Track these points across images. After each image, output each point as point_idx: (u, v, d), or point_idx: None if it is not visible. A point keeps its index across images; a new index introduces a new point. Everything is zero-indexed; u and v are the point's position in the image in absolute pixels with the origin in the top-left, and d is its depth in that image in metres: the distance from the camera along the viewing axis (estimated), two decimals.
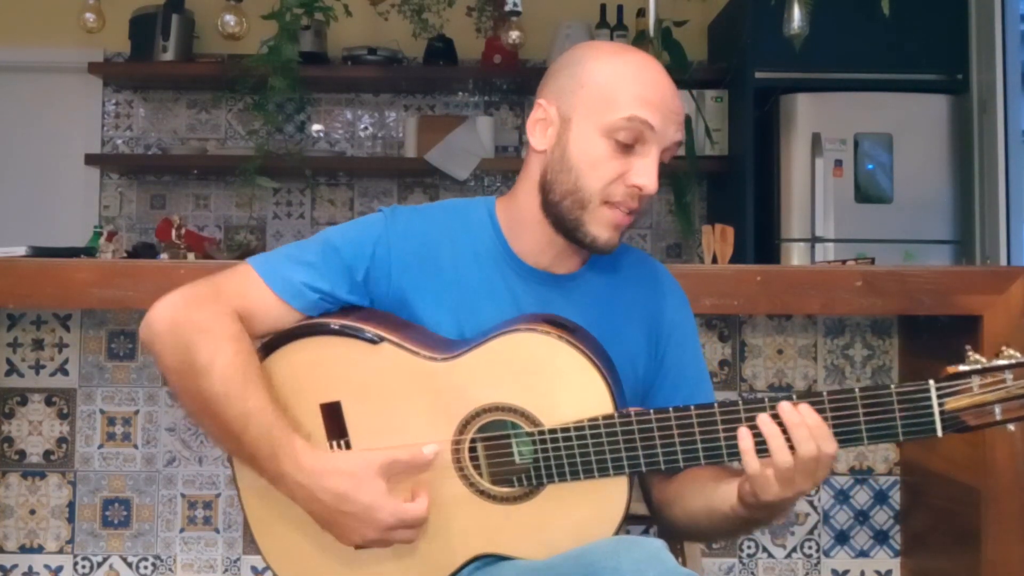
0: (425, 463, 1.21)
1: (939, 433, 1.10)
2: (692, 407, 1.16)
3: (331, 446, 1.25)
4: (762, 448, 1.13)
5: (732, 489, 1.20)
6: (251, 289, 1.27)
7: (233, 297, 1.26)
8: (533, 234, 1.31)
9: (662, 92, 1.24)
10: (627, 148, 1.23)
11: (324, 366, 1.26)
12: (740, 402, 1.15)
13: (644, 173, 1.23)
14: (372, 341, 1.24)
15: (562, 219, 1.26)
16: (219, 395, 1.20)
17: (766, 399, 1.14)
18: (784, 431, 1.12)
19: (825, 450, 1.11)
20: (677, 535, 1.43)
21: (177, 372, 1.23)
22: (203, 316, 1.23)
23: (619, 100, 1.23)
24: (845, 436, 1.13)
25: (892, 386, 1.11)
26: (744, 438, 1.13)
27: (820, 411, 1.12)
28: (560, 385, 1.19)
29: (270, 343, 1.28)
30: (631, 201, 1.25)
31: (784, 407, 1.12)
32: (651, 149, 1.23)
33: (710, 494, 1.25)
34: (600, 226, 1.25)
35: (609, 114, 1.23)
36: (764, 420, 1.13)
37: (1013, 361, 1.08)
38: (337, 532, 1.21)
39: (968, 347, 1.11)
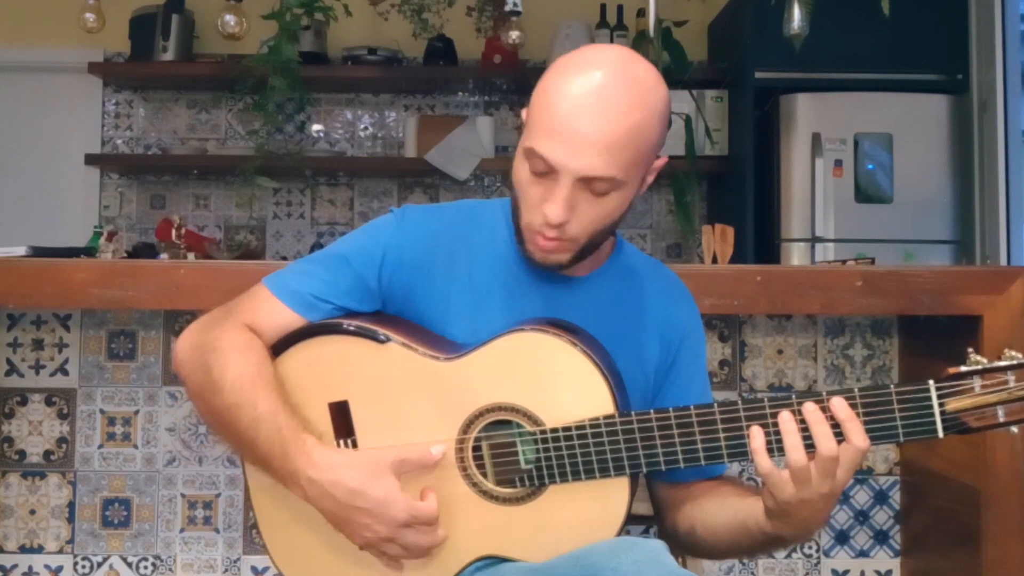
0: (433, 463, 1.21)
1: (940, 434, 1.09)
2: (692, 407, 1.16)
3: (338, 444, 1.26)
4: (773, 447, 1.12)
5: (757, 503, 1.19)
6: (262, 304, 1.30)
7: (243, 314, 1.29)
8: None
9: (574, 121, 1.16)
10: (543, 175, 1.20)
11: (332, 365, 1.27)
12: (740, 402, 1.15)
13: (550, 204, 1.19)
14: (379, 341, 1.25)
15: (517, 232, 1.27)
16: (231, 406, 1.22)
17: (765, 399, 1.14)
18: (803, 428, 1.10)
19: (858, 444, 1.09)
20: (696, 554, 1.42)
21: (199, 394, 1.28)
22: (213, 336, 1.26)
23: (534, 128, 1.20)
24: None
25: (892, 386, 1.10)
26: (756, 437, 1.12)
27: (823, 411, 1.11)
28: (562, 386, 1.20)
29: (279, 344, 1.29)
30: (546, 230, 1.21)
31: (808, 406, 1.11)
32: (560, 178, 1.18)
33: (733, 509, 1.23)
34: (533, 247, 1.25)
35: (526, 140, 1.21)
36: (785, 418, 1.11)
37: (1015, 362, 1.07)
38: (349, 530, 1.20)
39: (970, 349, 1.10)
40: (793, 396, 1.13)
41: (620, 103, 1.17)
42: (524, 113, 1.28)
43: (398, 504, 1.17)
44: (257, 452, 1.22)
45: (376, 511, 1.17)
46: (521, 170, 1.23)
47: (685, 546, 1.34)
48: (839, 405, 1.10)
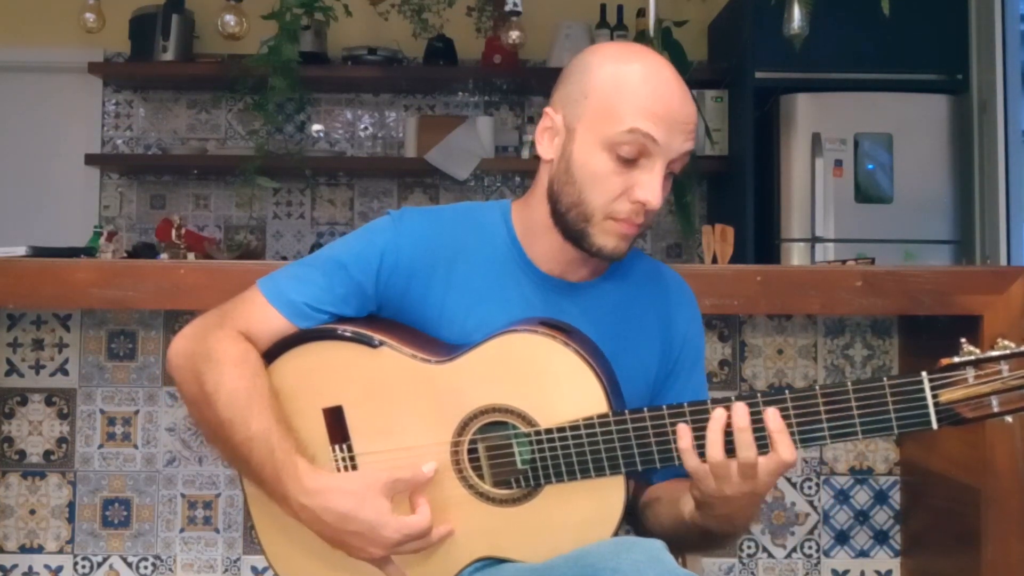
0: (425, 480, 1.22)
1: (934, 425, 1.10)
2: (686, 404, 1.16)
3: (333, 450, 1.26)
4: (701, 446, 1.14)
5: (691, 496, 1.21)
6: (257, 311, 1.29)
7: (238, 320, 1.28)
8: (545, 242, 1.30)
9: (668, 102, 1.20)
10: (630, 162, 1.20)
11: (326, 371, 1.27)
12: (732, 399, 1.15)
13: (648, 189, 1.20)
14: (373, 345, 1.24)
15: (568, 229, 1.26)
16: (225, 421, 1.22)
17: (759, 395, 1.14)
18: (728, 432, 1.12)
19: (783, 457, 1.11)
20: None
21: (193, 402, 1.27)
22: (208, 344, 1.26)
23: (621, 112, 1.19)
24: (839, 430, 1.12)
25: (885, 379, 1.11)
26: (683, 437, 1.14)
27: (784, 414, 1.12)
28: (555, 386, 1.20)
29: (273, 349, 1.29)
30: (635, 216, 1.23)
31: (737, 408, 1.12)
32: (655, 163, 1.21)
33: (675, 499, 1.25)
34: (605, 236, 1.24)
35: (611, 127, 1.20)
36: (715, 415, 1.13)
37: (1008, 352, 1.07)
38: (345, 551, 1.21)
39: (963, 339, 1.10)
40: (759, 396, 1.13)
41: (684, 84, 1.24)
42: (552, 111, 1.27)
43: (390, 526, 1.18)
44: (250, 470, 1.23)
45: (368, 534, 1.18)
46: (598, 162, 1.21)
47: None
48: (771, 416, 1.11)
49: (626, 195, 1.22)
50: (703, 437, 1.15)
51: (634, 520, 1.38)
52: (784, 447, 1.11)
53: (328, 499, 1.18)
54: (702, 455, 1.14)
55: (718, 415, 1.13)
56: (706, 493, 1.15)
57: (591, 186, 1.22)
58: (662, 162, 1.21)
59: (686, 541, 1.27)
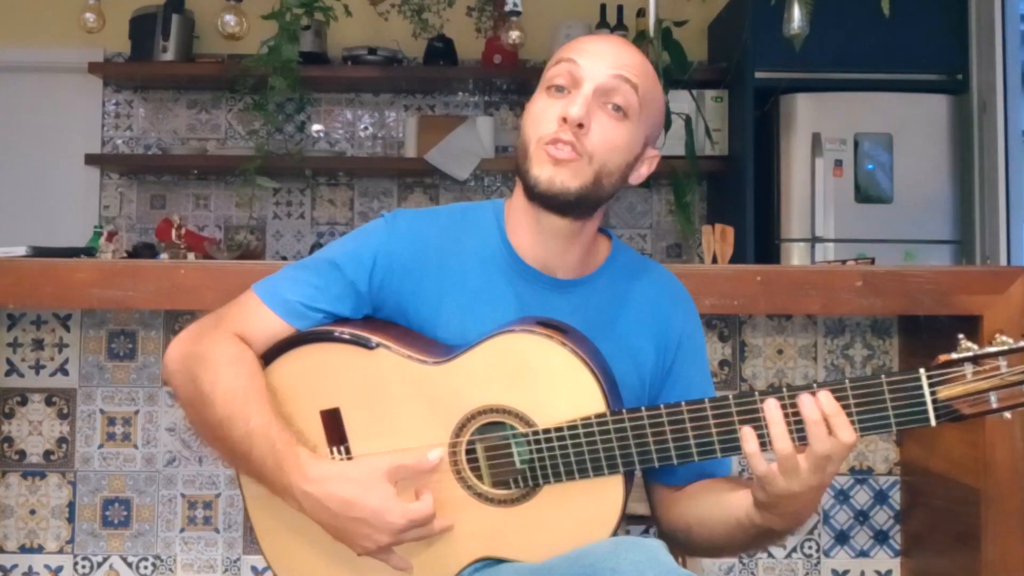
0: (430, 467, 1.21)
1: (932, 422, 1.09)
2: (683, 403, 1.16)
3: (331, 452, 1.26)
4: (763, 439, 1.12)
5: (747, 495, 1.19)
6: (252, 313, 1.29)
7: (234, 322, 1.28)
8: (524, 223, 1.31)
9: (597, 40, 1.30)
10: (563, 94, 1.25)
11: (322, 373, 1.27)
12: (730, 397, 1.15)
13: (571, 104, 1.24)
14: (369, 347, 1.24)
15: (522, 179, 1.28)
16: (223, 419, 1.22)
17: (757, 393, 1.14)
18: (788, 420, 1.11)
19: (843, 440, 1.09)
20: (694, 552, 1.42)
21: (190, 405, 1.27)
22: (203, 346, 1.26)
23: (553, 59, 1.30)
24: None
25: (883, 376, 1.10)
26: (749, 440, 1.12)
27: (783, 412, 1.11)
28: (552, 385, 1.19)
29: (270, 352, 1.29)
30: (561, 133, 1.23)
31: (804, 399, 1.10)
32: (583, 85, 1.25)
33: (726, 504, 1.24)
34: (539, 167, 1.25)
35: (548, 71, 1.29)
36: (770, 406, 1.11)
37: (1006, 347, 1.06)
38: (349, 541, 1.20)
39: (961, 335, 1.10)
40: (784, 390, 1.13)
41: (632, 46, 1.32)
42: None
43: (395, 511, 1.17)
44: (251, 466, 1.22)
45: (373, 520, 1.17)
46: (537, 104, 1.28)
47: (682, 544, 1.34)
48: (827, 400, 1.10)
49: (556, 118, 1.24)
50: (708, 435, 1.15)
51: (657, 524, 1.38)
52: (843, 429, 1.09)
53: (332, 486, 1.17)
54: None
55: (771, 405, 1.11)
56: (773, 494, 1.13)
57: (531, 124, 1.27)
58: (589, 85, 1.24)
59: (743, 544, 1.26)
